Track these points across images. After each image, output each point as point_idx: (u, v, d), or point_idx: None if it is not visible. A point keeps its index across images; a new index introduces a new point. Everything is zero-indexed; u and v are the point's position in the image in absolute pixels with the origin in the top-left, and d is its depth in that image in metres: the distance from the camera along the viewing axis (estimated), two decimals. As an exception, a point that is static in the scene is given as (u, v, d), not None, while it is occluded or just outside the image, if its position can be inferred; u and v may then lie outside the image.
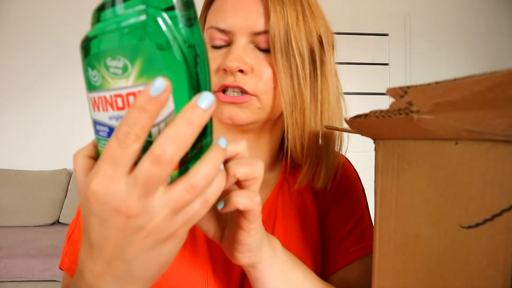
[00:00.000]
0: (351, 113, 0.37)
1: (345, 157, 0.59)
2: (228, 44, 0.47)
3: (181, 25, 0.23)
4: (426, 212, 0.28)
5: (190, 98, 0.23)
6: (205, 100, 0.23)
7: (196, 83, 0.24)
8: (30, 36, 2.58)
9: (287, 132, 0.49)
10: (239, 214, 0.34)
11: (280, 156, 0.57)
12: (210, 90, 0.25)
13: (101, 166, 0.23)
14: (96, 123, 0.26)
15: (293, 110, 0.48)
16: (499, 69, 0.20)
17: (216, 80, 0.46)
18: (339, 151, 0.55)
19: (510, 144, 0.23)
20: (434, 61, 2.82)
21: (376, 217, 0.35)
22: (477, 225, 0.25)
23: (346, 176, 0.56)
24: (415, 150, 0.29)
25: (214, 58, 0.47)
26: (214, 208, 0.36)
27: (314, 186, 0.53)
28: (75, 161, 0.26)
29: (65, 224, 2.35)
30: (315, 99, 0.49)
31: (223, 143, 0.26)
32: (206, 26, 0.49)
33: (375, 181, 0.35)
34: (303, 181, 0.52)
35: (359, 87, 2.64)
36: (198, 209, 0.25)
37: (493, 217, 0.24)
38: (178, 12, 0.23)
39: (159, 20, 0.22)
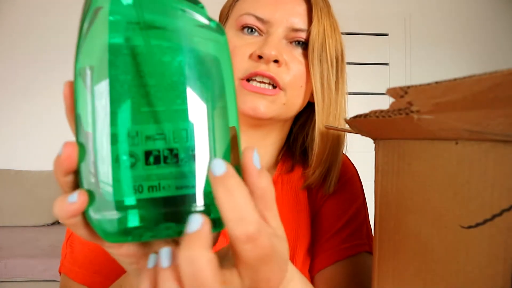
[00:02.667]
0: (351, 113, 0.37)
1: (345, 154, 0.59)
2: (261, 33, 0.47)
3: None
4: (426, 212, 0.28)
5: None
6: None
7: None
8: (31, 35, 2.58)
9: (317, 131, 0.50)
10: None
11: (279, 157, 0.57)
12: None
13: None
14: None
15: (322, 111, 0.49)
16: (499, 69, 0.20)
17: (246, 66, 0.46)
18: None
19: (510, 144, 0.23)
20: (434, 61, 2.81)
21: (376, 217, 0.35)
22: (477, 225, 0.25)
23: (344, 171, 0.56)
24: (415, 150, 0.29)
25: (246, 45, 0.47)
26: None
27: (324, 190, 0.52)
28: None
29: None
30: (336, 105, 0.51)
31: None
32: (236, 14, 0.49)
33: (375, 181, 0.35)
34: (314, 184, 0.52)
35: (359, 87, 2.63)
36: None
37: (493, 217, 0.24)
38: None
39: None
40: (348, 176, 0.56)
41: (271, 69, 0.45)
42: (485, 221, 0.24)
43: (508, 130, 0.22)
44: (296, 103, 0.49)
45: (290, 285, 0.32)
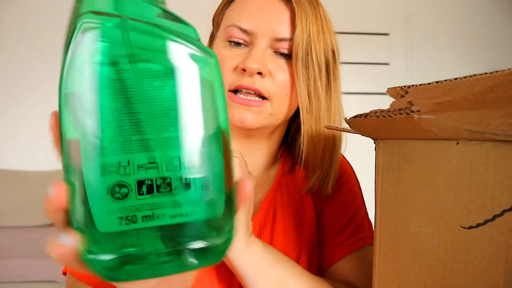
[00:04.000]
0: (351, 113, 0.37)
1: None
2: (247, 44, 0.48)
3: None
4: (427, 212, 0.28)
5: None
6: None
7: None
8: (31, 35, 2.58)
9: (304, 138, 0.50)
10: None
11: (277, 156, 0.57)
12: None
13: None
14: None
15: (309, 117, 0.49)
16: (500, 69, 0.20)
17: (232, 79, 0.47)
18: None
19: (511, 144, 0.23)
20: (435, 61, 2.81)
21: (376, 217, 0.35)
22: (478, 225, 0.25)
23: (341, 171, 0.57)
24: (416, 150, 0.29)
25: (232, 57, 0.47)
26: None
27: (323, 192, 0.53)
28: None
29: (65, 224, 2.35)
30: (329, 109, 0.51)
31: None
32: (224, 24, 0.50)
33: (375, 181, 0.35)
34: (314, 188, 0.53)
35: (359, 87, 2.63)
36: None
37: (494, 217, 0.24)
38: None
39: None
40: (346, 175, 0.57)
41: (255, 81, 0.46)
42: (486, 221, 0.24)
43: (509, 130, 0.22)
44: (283, 111, 0.49)
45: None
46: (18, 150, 2.58)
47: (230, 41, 0.48)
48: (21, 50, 2.58)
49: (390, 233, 0.32)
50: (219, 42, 0.50)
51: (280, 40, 0.47)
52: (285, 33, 0.47)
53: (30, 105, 2.58)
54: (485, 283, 0.24)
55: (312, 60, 0.47)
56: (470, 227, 0.25)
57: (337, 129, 0.47)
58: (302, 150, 0.51)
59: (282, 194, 0.54)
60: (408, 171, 0.30)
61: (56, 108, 0.22)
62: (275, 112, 0.48)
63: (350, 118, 0.34)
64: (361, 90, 2.63)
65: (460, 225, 0.26)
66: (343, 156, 0.60)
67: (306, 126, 0.49)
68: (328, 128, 0.50)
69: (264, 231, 0.51)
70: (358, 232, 0.53)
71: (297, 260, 0.51)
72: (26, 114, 2.59)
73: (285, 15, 0.47)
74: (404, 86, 0.26)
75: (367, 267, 0.50)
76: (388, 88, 0.27)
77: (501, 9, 2.83)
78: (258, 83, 0.46)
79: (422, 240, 0.29)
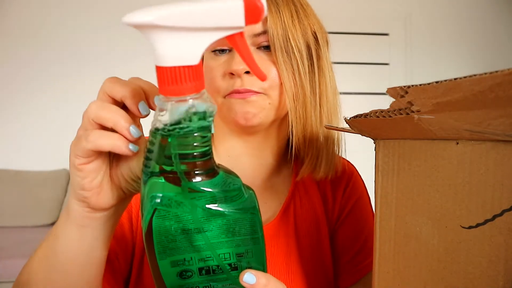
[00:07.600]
0: (350, 113, 0.37)
1: (353, 166, 0.59)
2: (231, 49, 0.49)
3: None
4: (427, 212, 0.28)
5: None
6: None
7: None
8: (30, 35, 2.58)
9: (292, 126, 0.50)
10: None
11: (286, 159, 0.57)
12: None
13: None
14: None
15: (296, 105, 0.49)
16: (500, 69, 0.20)
17: (224, 85, 0.48)
18: (339, 151, 0.55)
19: (510, 144, 0.23)
20: (435, 61, 2.81)
21: (376, 217, 0.35)
22: (478, 225, 0.25)
23: (355, 188, 0.57)
24: (416, 150, 0.29)
25: (219, 65, 0.48)
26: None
27: (315, 177, 0.54)
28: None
29: (65, 224, 2.34)
30: (314, 93, 0.51)
31: None
32: None
33: (375, 181, 0.35)
34: (305, 172, 0.53)
35: (359, 87, 2.63)
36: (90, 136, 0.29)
37: (494, 217, 0.24)
38: None
39: None
40: (359, 192, 0.57)
41: (246, 82, 0.46)
42: (486, 221, 0.24)
43: (509, 130, 0.22)
44: (280, 100, 0.49)
45: None
46: (18, 150, 2.58)
47: (214, 51, 0.49)
48: (21, 51, 2.58)
49: (390, 233, 0.32)
50: (207, 55, 0.51)
51: (258, 34, 0.47)
52: (261, 27, 0.47)
53: (31, 105, 2.58)
54: (485, 283, 0.24)
55: (292, 47, 0.48)
56: (470, 227, 0.25)
57: (336, 128, 0.47)
58: (292, 138, 0.51)
59: (296, 208, 0.55)
60: (408, 171, 0.30)
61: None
62: (273, 101, 0.49)
63: (350, 118, 0.34)
64: (361, 90, 2.63)
65: (460, 225, 0.26)
66: (357, 171, 0.60)
67: (294, 113, 0.50)
68: (328, 128, 0.50)
69: (280, 239, 0.52)
70: (371, 253, 0.55)
71: (315, 272, 0.52)
72: (27, 114, 2.59)
73: None
74: (404, 86, 0.26)
75: None
76: (388, 88, 0.27)
77: (501, 9, 2.83)
78: (249, 82, 0.47)
79: (422, 240, 0.29)
